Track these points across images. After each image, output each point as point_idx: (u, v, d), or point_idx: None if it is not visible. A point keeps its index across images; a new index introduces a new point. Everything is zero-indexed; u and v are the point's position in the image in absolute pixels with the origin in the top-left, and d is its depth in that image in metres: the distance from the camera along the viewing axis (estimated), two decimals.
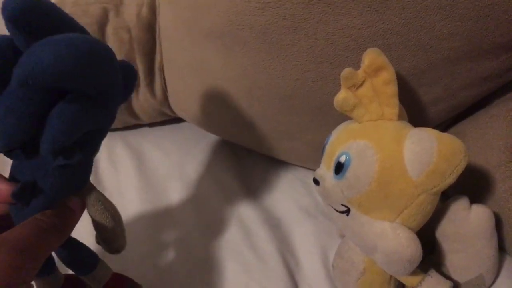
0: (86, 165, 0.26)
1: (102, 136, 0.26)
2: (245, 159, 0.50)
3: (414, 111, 0.34)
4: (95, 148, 0.26)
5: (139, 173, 0.47)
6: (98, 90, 0.21)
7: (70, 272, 0.28)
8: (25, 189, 0.22)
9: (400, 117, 0.29)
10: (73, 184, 0.25)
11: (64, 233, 0.24)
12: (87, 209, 0.27)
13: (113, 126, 0.59)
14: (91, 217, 0.27)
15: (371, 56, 0.28)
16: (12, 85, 0.19)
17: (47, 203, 0.24)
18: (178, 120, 0.54)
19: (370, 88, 0.28)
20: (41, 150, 0.20)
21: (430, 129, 0.27)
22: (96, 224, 0.27)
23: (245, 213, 0.43)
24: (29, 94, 0.19)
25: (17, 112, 0.19)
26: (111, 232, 0.27)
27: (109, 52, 0.22)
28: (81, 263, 0.28)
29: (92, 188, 0.27)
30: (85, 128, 0.22)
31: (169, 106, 0.50)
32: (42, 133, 0.20)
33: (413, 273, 0.29)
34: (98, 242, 0.29)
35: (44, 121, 0.20)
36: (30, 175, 0.23)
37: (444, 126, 0.40)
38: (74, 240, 0.28)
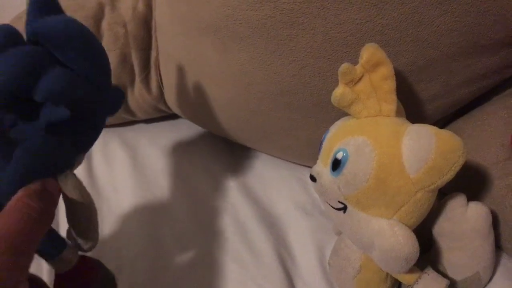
0: (70, 149, 0.25)
1: (93, 131, 0.27)
2: (242, 156, 0.50)
3: (412, 108, 0.34)
4: (84, 140, 0.27)
5: (135, 170, 0.47)
6: (90, 65, 0.25)
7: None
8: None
9: (398, 114, 0.29)
10: (53, 160, 0.24)
11: (49, 220, 0.23)
12: (63, 197, 0.26)
13: (108, 123, 0.58)
14: (67, 206, 0.26)
15: (369, 51, 0.27)
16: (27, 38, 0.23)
17: (27, 166, 0.23)
18: (174, 116, 0.54)
19: (368, 83, 0.28)
20: (36, 95, 0.22)
21: (429, 125, 0.27)
22: (71, 214, 0.26)
23: (241, 210, 0.43)
24: (39, 47, 0.23)
25: (27, 56, 0.22)
26: (86, 223, 0.27)
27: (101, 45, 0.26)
28: (49, 246, 0.27)
29: (71, 174, 0.26)
30: (77, 92, 0.24)
31: (164, 102, 0.50)
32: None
33: (410, 270, 0.28)
34: (68, 237, 0.28)
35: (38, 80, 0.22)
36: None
37: (441, 123, 0.40)
38: None
